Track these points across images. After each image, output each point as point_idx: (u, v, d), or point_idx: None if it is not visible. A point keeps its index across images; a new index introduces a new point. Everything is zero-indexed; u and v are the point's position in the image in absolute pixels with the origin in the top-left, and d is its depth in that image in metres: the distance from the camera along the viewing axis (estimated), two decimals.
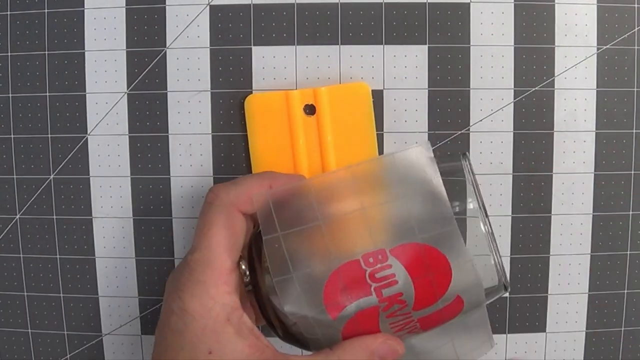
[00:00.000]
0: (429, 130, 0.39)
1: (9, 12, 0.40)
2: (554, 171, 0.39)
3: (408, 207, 0.27)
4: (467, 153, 0.30)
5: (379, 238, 0.27)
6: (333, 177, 0.30)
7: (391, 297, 0.28)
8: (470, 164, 0.30)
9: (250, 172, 0.40)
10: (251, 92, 0.39)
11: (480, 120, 0.39)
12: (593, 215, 0.40)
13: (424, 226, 0.27)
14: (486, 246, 0.28)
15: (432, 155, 0.28)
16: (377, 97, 0.39)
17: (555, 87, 0.39)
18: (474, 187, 0.29)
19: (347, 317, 0.28)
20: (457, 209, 0.28)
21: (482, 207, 0.28)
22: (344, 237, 0.28)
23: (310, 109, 0.39)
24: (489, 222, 0.29)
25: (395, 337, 0.29)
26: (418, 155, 0.28)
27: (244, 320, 0.29)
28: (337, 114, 0.39)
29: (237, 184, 0.31)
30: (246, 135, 0.39)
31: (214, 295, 0.29)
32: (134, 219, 0.41)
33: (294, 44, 0.39)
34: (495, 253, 0.29)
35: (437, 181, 0.27)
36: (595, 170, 0.39)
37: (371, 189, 0.28)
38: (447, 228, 0.27)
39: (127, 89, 0.40)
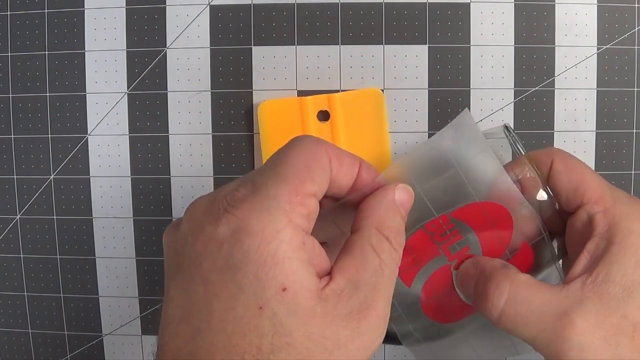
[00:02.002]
0: (429, 130, 0.39)
1: (9, 12, 0.40)
2: None
3: (461, 176, 0.27)
4: (507, 125, 0.31)
5: (438, 209, 0.28)
6: (392, 169, 0.27)
7: (459, 252, 0.28)
8: (514, 135, 0.30)
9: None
10: (251, 92, 0.39)
11: (480, 120, 0.39)
12: None
13: (479, 188, 0.28)
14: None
15: (473, 120, 0.28)
16: None
17: (555, 87, 0.39)
18: (522, 153, 0.29)
19: (421, 282, 0.29)
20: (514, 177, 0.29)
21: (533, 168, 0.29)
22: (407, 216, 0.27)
23: (323, 115, 0.39)
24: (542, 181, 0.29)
25: (400, 182, 0.26)
26: (461, 125, 0.28)
27: (319, 250, 0.23)
28: (350, 119, 0.39)
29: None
30: (247, 135, 0.39)
31: (288, 212, 0.22)
32: (134, 219, 0.40)
33: (294, 44, 0.39)
34: (550, 194, 0.29)
35: (482, 140, 0.28)
36: (595, 170, 0.39)
37: (424, 170, 0.28)
38: (500, 184, 0.27)
39: (127, 89, 0.40)
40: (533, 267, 0.29)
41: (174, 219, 0.40)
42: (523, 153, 0.29)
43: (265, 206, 0.22)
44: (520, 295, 0.26)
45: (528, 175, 0.29)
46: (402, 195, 0.26)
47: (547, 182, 0.29)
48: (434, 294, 0.29)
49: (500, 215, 0.28)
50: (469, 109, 0.39)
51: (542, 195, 0.29)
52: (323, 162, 0.23)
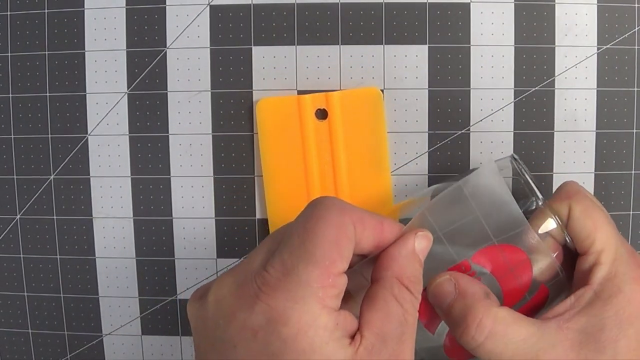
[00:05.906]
0: (429, 130, 0.39)
1: (9, 12, 0.40)
2: (554, 171, 0.39)
3: (481, 219, 0.29)
4: (514, 155, 0.31)
5: (460, 253, 0.29)
6: (415, 221, 0.29)
7: None
8: (521, 164, 0.31)
9: (258, 173, 0.40)
10: (251, 92, 0.39)
11: (481, 120, 0.39)
12: None
13: (498, 231, 0.28)
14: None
15: (496, 170, 0.29)
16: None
17: (555, 87, 0.39)
18: (533, 185, 0.30)
19: (445, 329, 0.30)
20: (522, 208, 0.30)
21: (540, 199, 0.30)
22: (430, 262, 0.28)
23: (321, 114, 0.39)
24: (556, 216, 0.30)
25: (421, 229, 0.27)
26: (484, 174, 0.29)
27: (350, 319, 0.25)
28: (348, 118, 0.39)
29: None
30: (247, 135, 0.39)
31: (322, 298, 0.23)
32: (134, 219, 0.41)
33: (294, 44, 0.39)
34: (569, 239, 0.30)
35: (504, 189, 0.29)
36: (595, 170, 0.39)
37: (446, 216, 0.29)
38: (520, 228, 0.28)
39: (127, 89, 0.40)
40: (547, 302, 0.30)
41: (173, 220, 0.40)
42: (537, 191, 0.30)
43: (300, 295, 0.23)
44: (500, 332, 0.27)
45: (552, 229, 0.30)
46: (421, 244, 0.27)
47: (566, 227, 0.30)
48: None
49: (518, 259, 0.29)
50: (469, 108, 0.39)
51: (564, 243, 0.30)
52: (349, 233, 0.25)
